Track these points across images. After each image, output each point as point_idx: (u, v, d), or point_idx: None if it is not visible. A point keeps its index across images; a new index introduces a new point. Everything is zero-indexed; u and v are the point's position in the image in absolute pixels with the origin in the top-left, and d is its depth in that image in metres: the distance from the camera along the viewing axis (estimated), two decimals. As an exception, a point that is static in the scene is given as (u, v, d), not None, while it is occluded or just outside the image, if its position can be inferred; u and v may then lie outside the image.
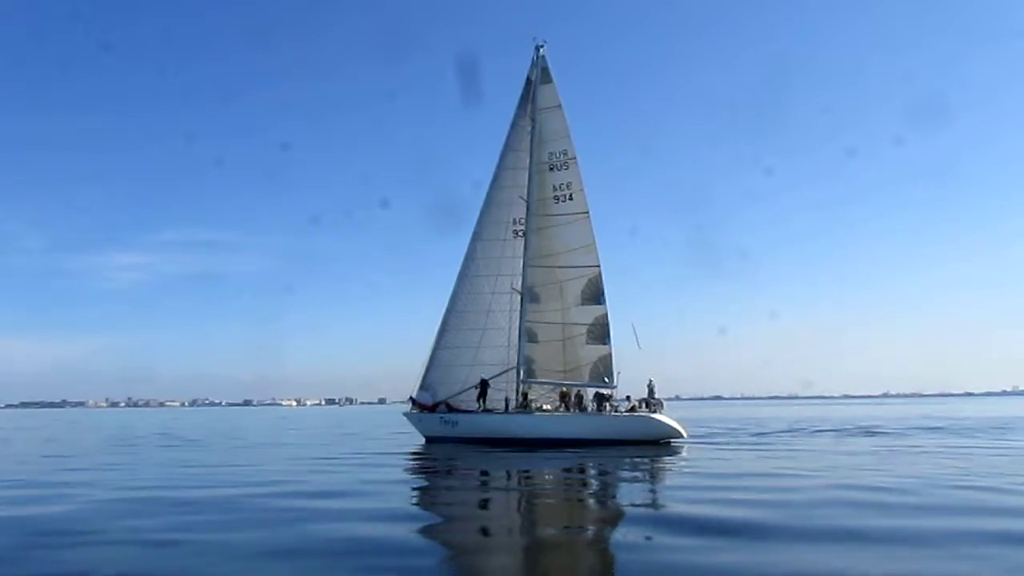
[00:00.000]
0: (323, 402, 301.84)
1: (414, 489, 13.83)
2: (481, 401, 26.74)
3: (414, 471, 17.82)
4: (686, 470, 17.02)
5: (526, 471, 18.09)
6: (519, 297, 27.46)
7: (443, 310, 28.35)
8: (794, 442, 25.88)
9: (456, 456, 21.68)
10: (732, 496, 11.98)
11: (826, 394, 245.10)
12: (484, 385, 26.98)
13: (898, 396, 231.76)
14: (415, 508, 11.40)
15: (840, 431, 32.75)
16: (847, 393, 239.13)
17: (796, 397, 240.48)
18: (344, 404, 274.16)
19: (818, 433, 31.20)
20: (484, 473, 16.96)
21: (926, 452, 19.90)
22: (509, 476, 17.06)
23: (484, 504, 11.82)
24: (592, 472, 16.97)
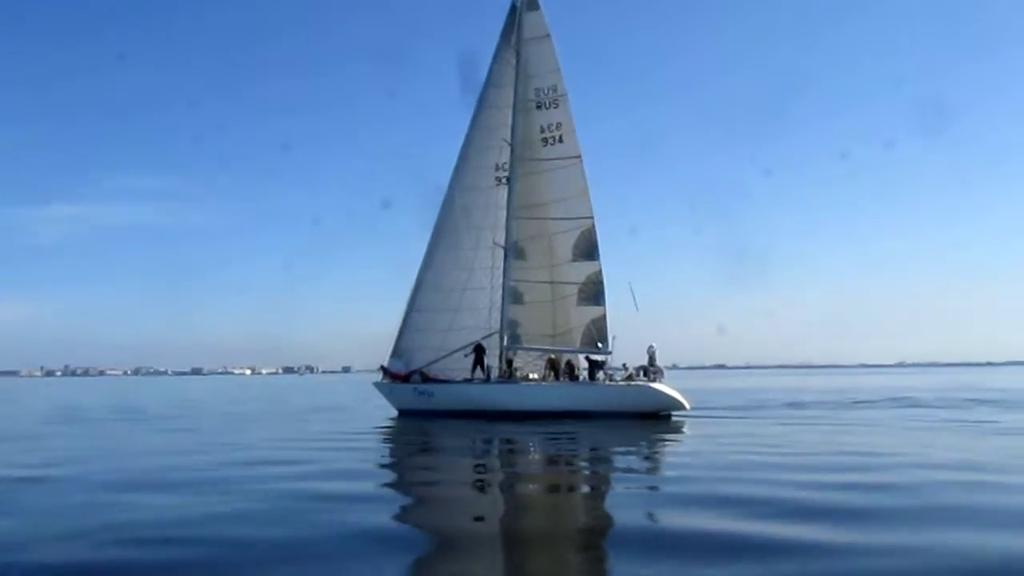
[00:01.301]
0: (280, 371, 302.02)
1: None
2: (479, 370, 26.31)
3: (387, 450, 17.41)
4: (727, 447, 16.26)
5: (509, 442, 18.00)
6: (502, 253, 27.10)
7: (417, 267, 28.00)
8: (839, 415, 25.50)
9: (431, 432, 21.42)
10: (823, 479, 11.20)
11: (840, 363, 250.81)
12: (479, 351, 26.54)
13: (914, 365, 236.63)
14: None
15: (874, 402, 32.93)
16: (863, 362, 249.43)
17: (808, 367, 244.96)
18: (304, 373, 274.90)
19: (857, 405, 31.11)
20: (458, 451, 16.44)
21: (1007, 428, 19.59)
22: (485, 450, 16.87)
23: (458, 496, 10.97)
24: (623, 449, 16.41)
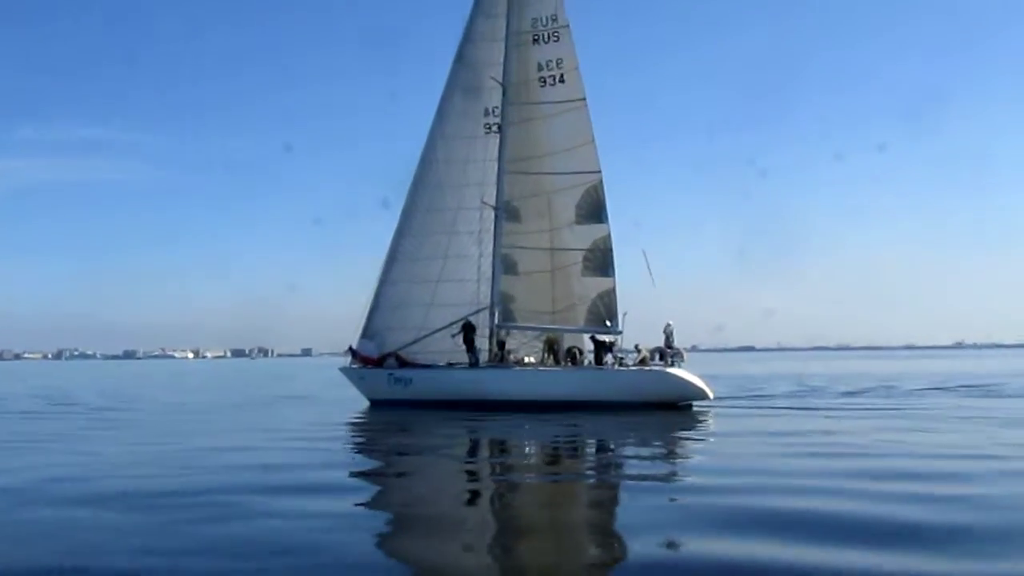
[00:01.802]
0: (228, 353, 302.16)
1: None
2: (471, 354, 26.14)
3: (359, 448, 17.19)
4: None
5: (501, 444, 17.82)
6: (492, 214, 26.95)
7: (391, 232, 27.79)
8: (897, 405, 25.39)
9: (408, 428, 21.10)
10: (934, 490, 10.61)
11: (882, 344, 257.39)
12: (468, 329, 26.32)
13: (974, 347, 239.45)
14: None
15: (947, 390, 32.88)
16: (910, 343, 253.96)
17: (847, 348, 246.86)
18: (256, 356, 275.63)
19: (917, 393, 30.94)
20: (439, 455, 15.95)
21: None
22: (471, 453, 16.49)
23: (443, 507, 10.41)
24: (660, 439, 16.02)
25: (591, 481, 13.12)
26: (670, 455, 15.70)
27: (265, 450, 15.77)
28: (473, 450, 17.44)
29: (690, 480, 12.47)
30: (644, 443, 17.61)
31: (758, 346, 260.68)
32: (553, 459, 15.70)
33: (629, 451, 16.54)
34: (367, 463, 15.32)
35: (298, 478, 12.08)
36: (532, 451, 16.65)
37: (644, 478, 12.67)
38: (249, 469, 13.16)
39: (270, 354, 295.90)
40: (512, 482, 12.73)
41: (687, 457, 15.53)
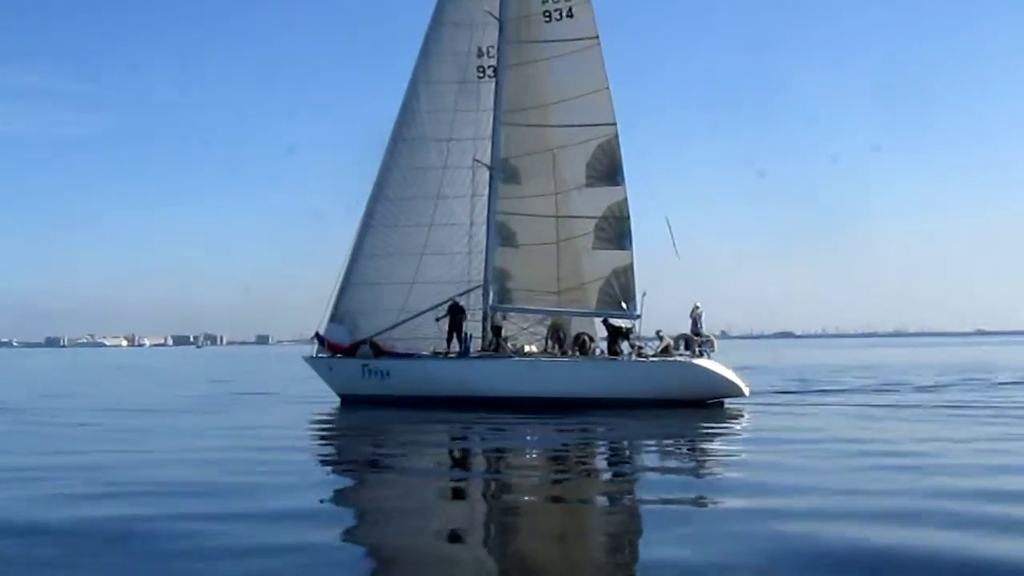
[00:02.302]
0: (170, 341, 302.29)
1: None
2: (455, 341, 26.21)
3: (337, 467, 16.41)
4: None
5: (498, 453, 17.26)
6: (487, 175, 26.83)
7: (365, 198, 27.67)
8: (991, 403, 24.83)
9: (386, 431, 20.85)
10: None
11: (946, 330, 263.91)
12: (455, 312, 26.35)
13: (993, 333, 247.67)
14: None
15: None
16: (980, 328, 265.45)
17: (901, 334, 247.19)
18: (204, 344, 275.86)
19: (1011, 386, 31.01)
20: (423, 469, 15.51)
21: None
22: (462, 466, 15.94)
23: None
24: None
25: (611, 505, 12.25)
26: (703, 468, 15.23)
27: (213, 465, 14.93)
28: (464, 462, 16.83)
29: (728, 503, 11.46)
30: (667, 451, 17.37)
31: (799, 332, 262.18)
32: (562, 474, 15.06)
33: (652, 461, 16.25)
34: (337, 481, 14.65)
35: (257, 506, 11.31)
36: (536, 464, 16.24)
37: (669, 501, 11.75)
38: (194, 492, 12.39)
39: (219, 341, 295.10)
40: (513, 508, 12.08)
41: (721, 468, 14.96)
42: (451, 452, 18.16)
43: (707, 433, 20.06)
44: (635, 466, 15.90)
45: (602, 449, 18.48)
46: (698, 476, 14.40)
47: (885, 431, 19.40)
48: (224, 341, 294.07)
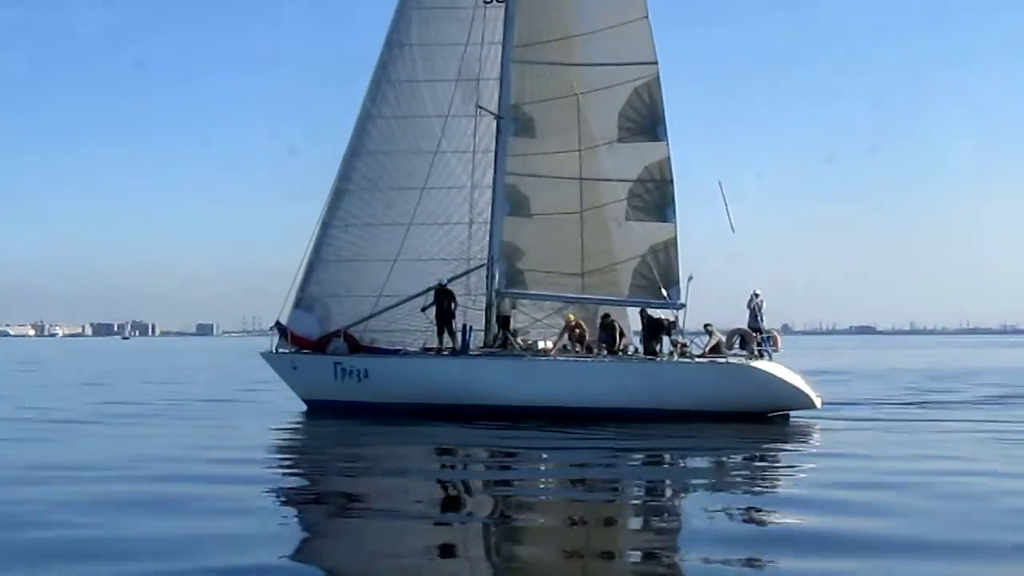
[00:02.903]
0: (88, 329, 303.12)
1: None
2: (446, 334, 26.23)
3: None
4: None
5: (503, 487, 16.39)
6: (494, 125, 26.67)
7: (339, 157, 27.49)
8: None
9: (364, 452, 20.31)
10: None
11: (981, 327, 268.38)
12: (443, 298, 26.26)
13: None
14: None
15: None
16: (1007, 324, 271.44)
17: (1008, 331, 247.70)
18: (131, 334, 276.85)
19: None
20: (411, 511, 14.55)
21: None
22: (458, 506, 15.18)
23: None
24: None
25: (642, 563, 11.64)
26: (763, 511, 14.15)
27: (133, 506, 14.04)
28: (461, 502, 15.99)
29: (803, 565, 10.69)
30: (719, 483, 16.62)
31: (880, 326, 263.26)
32: (584, 517, 14.11)
33: (696, 498, 15.31)
34: (301, 528, 13.79)
35: (197, 566, 10.68)
36: (550, 502, 15.56)
37: (724, 562, 10.88)
38: (109, 547, 11.53)
39: (151, 331, 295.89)
40: (525, 566, 11.53)
41: (795, 514, 13.77)
42: (445, 485, 17.39)
43: (768, 459, 19.65)
44: (674, 504, 15.37)
45: (633, 479, 17.91)
46: (755, 522, 13.51)
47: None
48: (156, 331, 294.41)
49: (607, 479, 17.73)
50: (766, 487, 16.78)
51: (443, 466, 19.52)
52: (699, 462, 19.61)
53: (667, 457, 20.37)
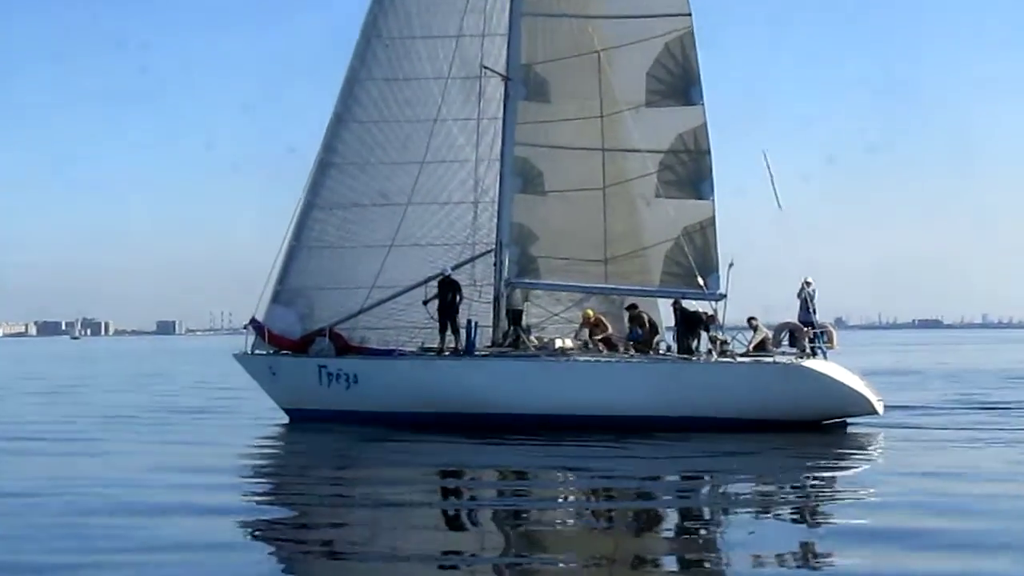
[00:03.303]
0: (32, 328, 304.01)
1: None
2: (448, 331, 26.11)
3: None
4: None
5: (516, 520, 15.75)
6: (502, 88, 26.72)
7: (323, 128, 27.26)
8: None
9: (355, 473, 20.22)
10: None
11: None
12: (448, 290, 26.08)
13: None
14: None
15: None
16: None
17: None
18: (82, 334, 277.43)
19: None
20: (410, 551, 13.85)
21: None
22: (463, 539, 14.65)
23: None
24: None
25: None
26: (818, 545, 13.77)
27: (76, 542, 13.69)
28: (472, 527, 15.93)
29: None
30: (766, 507, 16.33)
31: (948, 319, 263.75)
32: (609, 552, 13.99)
33: (737, 529, 14.88)
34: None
35: None
36: (573, 534, 15.32)
37: None
38: None
39: (105, 330, 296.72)
40: None
41: (859, 548, 13.30)
42: (448, 516, 16.90)
43: (825, 477, 19.33)
44: (711, 539, 14.99)
45: (663, 502, 17.77)
46: (811, 562, 13.15)
47: None
48: (111, 329, 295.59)
49: (635, 508, 17.33)
50: (824, 514, 16.30)
51: (446, 493, 19.00)
52: (742, 484, 19.16)
53: (706, 478, 20.06)
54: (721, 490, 18.60)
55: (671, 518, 16.41)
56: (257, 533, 15.10)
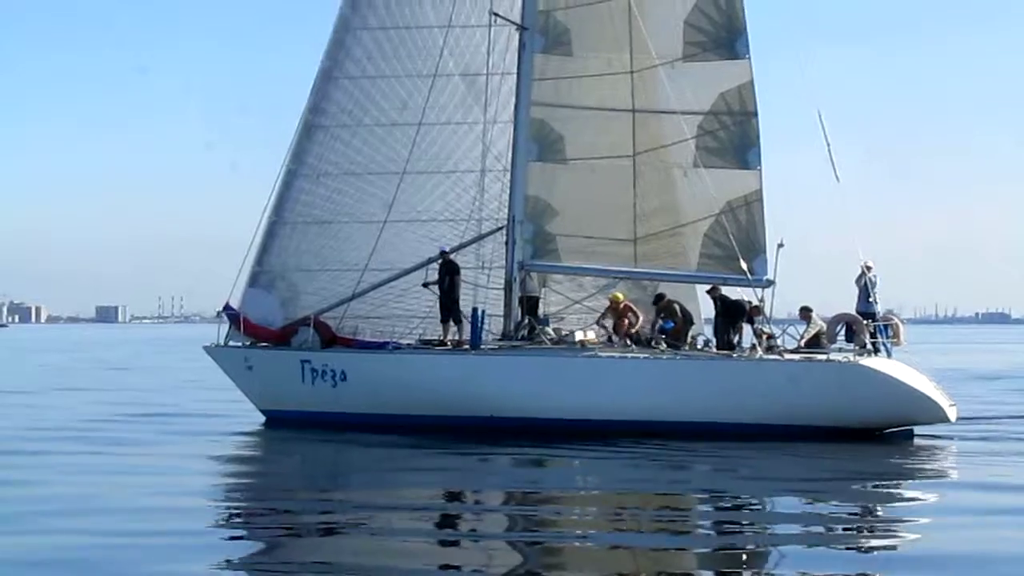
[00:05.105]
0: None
1: None
2: (450, 323, 26.44)
3: None
4: None
5: (533, 552, 14.72)
6: (516, 39, 26.83)
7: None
8: None
9: (343, 497, 18.89)
10: None
11: None
12: (452, 272, 26.34)
13: None
14: None
15: None
16: None
17: None
18: (9, 321, 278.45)
19: None
20: None
21: None
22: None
23: None
24: None
25: None
26: None
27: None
28: (480, 557, 14.82)
29: None
30: (818, 539, 15.59)
31: (1016, 314, 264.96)
32: None
33: (786, 565, 13.96)
34: None
35: None
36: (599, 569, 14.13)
37: None
38: None
39: (35, 316, 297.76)
40: None
41: None
42: (450, 545, 15.79)
43: (889, 495, 19.13)
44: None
45: (698, 526, 17.43)
46: None
47: None
48: (43, 316, 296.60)
49: (668, 532, 16.69)
50: (887, 539, 15.98)
51: (445, 519, 17.55)
52: (791, 502, 18.65)
53: (745, 497, 19.29)
54: (766, 508, 18.47)
55: (702, 542, 15.97)
56: (222, 564, 14.10)
